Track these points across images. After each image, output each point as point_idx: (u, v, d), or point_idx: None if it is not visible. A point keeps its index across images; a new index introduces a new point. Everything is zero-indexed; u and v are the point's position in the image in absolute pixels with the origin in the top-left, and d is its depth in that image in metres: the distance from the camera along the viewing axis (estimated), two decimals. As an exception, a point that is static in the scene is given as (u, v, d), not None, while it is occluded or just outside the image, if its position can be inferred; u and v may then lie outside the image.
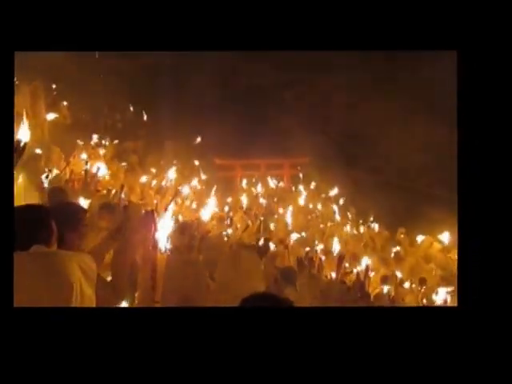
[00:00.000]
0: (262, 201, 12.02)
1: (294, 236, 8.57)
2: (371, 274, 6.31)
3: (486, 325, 2.22)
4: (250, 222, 8.27)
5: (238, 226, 8.19)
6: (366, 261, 6.35)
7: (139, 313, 2.35)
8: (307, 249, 7.41)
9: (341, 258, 5.62)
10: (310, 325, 2.11)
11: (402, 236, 9.94)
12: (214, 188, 10.26)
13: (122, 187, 5.57)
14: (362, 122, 13.90)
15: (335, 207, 12.36)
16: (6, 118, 2.30)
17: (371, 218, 11.56)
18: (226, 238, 6.45)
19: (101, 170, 6.56)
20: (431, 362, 2.12)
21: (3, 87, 2.30)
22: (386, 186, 12.68)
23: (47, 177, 4.69)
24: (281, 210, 11.16)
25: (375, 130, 13.08)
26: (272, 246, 6.38)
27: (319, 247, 8.03)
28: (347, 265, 6.96)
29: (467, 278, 2.31)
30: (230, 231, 7.49)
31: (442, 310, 3.61)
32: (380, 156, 13.53)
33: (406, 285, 7.34)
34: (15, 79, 8.16)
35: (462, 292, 2.32)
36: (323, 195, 13.29)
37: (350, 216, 12.07)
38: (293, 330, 2.12)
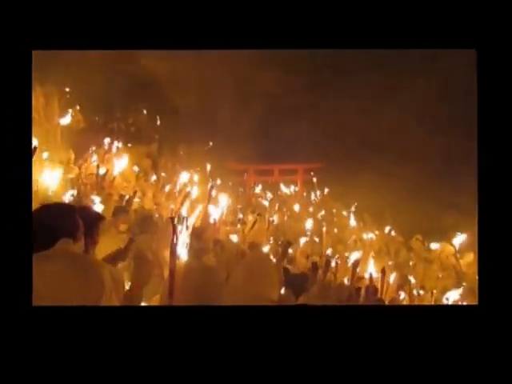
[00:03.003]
0: (275, 205, 11.97)
1: (307, 241, 8.51)
2: (387, 280, 6.22)
3: (506, 322, 2.22)
4: (256, 217, 8.20)
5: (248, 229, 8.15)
6: (380, 266, 6.26)
7: (153, 311, 2.33)
8: (321, 254, 7.35)
9: (355, 263, 5.54)
10: (330, 324, 2.08)
11: (418, 242, 9.82)
12: (228, 193, 10.22)
13: (134, 193, 5.58)
14: (376, 127, 13.80)
15: (349, 212, 12.27)
16: (23, 117, 2.30)
17: (386, 224, 11.44)
18: (239, 242, 6.41)
19: (113, 173, 6.56)
20: (452, 360, 2.13)
21: (21, 86, 2.30)
22: (401, 192, 12.56)
23: None
24: (294, 215, 11.10)
25: (390, 135, 12.99)
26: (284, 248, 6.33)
27: (332, 252, 7.95)
28: (359, 270, 6.86)
29: (487, 276, 2.30)
30: (242, 235, 7.44)
31: (462, 308, 3.59)
32: (395, 161, 13.42)
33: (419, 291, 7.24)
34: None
35: (481, 290, 2.30)
36: (337, 200, 13.21)
37: (364, 221, 11.97)
38: (307, 329, 2.09)
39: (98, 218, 2.68)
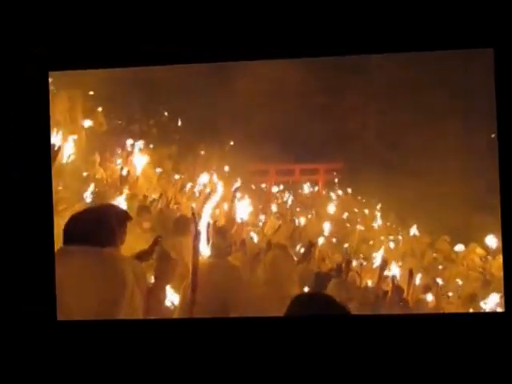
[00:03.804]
0: (297, 206, 11.95)
1: (329, 241, 8.46)
2: (414, 282, 6.14)
3: None
4: (280, 223, 8.21)
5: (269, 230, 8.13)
6: (406, 268, 6.19)
7: (175, 324, 2.34)
8: (344, 255, 7.29)
9: (382, 264, 5.49)
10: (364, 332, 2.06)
11: (445, 243, 9.68)
12: (249, 193, 10.23)
13: (160, 196, 5.64)
14: (399, 126, 13.64)
15: (372, 213, 12.17)
16: (43, 132, 2.33)
17: (411, 224, 11.30)
18: (260, 242, 6.41)
19: (136, 174, 6.61)
20: (478, 369, 2.09)
21: (39, 106, 2.33)
22: (425, 192, 12.40)
23: None
24: (316, 215, 11.05)
25: (413, 134, 12.83)
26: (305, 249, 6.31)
27: (356, 253, 7.89)
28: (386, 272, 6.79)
29: None
30: (264, 235, 7.44)
31: (489, 315, 3.54)
32: (419, 161, 13.25)
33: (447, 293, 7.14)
34: (52, 87, 8.35)
35: (508, 296, 2.26)
36: (362, 199, 13.11)
37: (388, 222, 11.86)
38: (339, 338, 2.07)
39: (126, 217, 2.70)
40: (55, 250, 2.61)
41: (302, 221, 10.05)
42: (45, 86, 2.33)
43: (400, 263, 7.44)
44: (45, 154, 2.32)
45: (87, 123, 7.55)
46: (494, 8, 2.36)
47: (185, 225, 4.65)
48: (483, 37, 2.40)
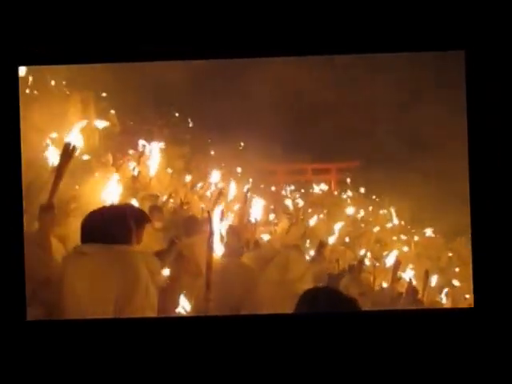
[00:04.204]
0: (309, 206, 11.92)
1: (341, 241, 8.43)
2: (429, 283, 6.11)
3: (502, 325, 2.23)
4: (293, 222, 8.20)
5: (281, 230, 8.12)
6: (421, 268, 6.15)
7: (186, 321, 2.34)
8: (357, 255, 7.26)
9: (396, 264, 5.46)
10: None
11: (461, 244, 9.58)
12: (260, 193, 10.22)
13: (169, 196, 5.66)
14: (414, 123, 13.49)
15: (386, 212, 12.10)
16: (11, 127, 2.33)
17: (426, 224, 11.21)
18: (273, 242, 6.40)
19: (149, 174, 6.64)
20: (447, 364, 2.15)
21: (8, 101, 2.33)
22: (442, 191, 12.29)
23: None
24: (328, 215, 11.01)
25: (428, 131, 12.71)
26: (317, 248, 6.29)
27: (370, 253, 7.86)
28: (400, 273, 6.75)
29: (482, 278, 2.32)
30: (275, 235, 7.43)
31: (458, 311, 3.59)
32: (434, 159, 13.13)
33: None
34: (67, 91, 8.40)
35: (477, 293, 2.33)
36: (376, 198, 13.03)
37: (403, 221, 11.77)
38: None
39: (145, 219, 2.72)
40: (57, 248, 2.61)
41: (314, 221, 10.02)
42: (14, 81, 2.33)
43: (415, 264, 7.39)
44: (14, 148, 2.31)
45: (101, 124, 7.60)
46: (465, 10, 2.41)
47: (195, 225, 4.65)
48: (455, 39, 2.45)
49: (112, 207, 2.52)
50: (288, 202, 11.44)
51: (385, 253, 7.51)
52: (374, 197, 13.34)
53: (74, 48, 2.44)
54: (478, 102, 2.41)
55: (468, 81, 2.42)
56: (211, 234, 2.63)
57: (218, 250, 2.70)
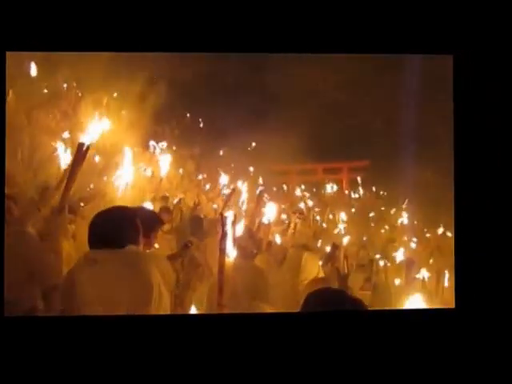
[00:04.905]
0: (320, 205, 11.87)
1: (354, 241, 8.37)
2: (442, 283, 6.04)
3: (483, 326, 2.26)
4: (297, 221, 8.14)
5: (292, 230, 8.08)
6: (434, 267, 6.09)
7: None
8: (370, 255, 7.20)
9: (409, 263, 5.40)
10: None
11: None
12: (272, 193, 10.19)
13: (180, 200, 5.65)
14: (426, 121, 13.36)
15: (398, 211, 12.00)
16: None
17: (439, 222, 11.08)
18: (284, 242, 6.36)
19: (160, 175, 6.62)
20: (428, 364, 2.17)
21: None
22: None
23: None
24: (340, 215, 10.94)
25: (440, 129, 12.57)
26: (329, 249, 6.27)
27: (380, 253, 7.79)
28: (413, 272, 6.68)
29: (463, 279, 2.35)
30: (287, 236, 7.38)
31: (440, 311, 3.55)
32: (447, 157, 12.97)
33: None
34: (79, 92, 8.42)
35: (458, 294, 2.36)
36: (385, 199, 12.94)
37: (416, 220, 11.66)
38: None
39: (156, 220, 2.69)
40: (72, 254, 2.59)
41: (326, 220, 9.97)
42: (1, 66, 2.31)
43: (428, 263, 7.31)
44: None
45: (111, 125, 7.60)
46: (454, 15, 2.44)
47: (204, 226, 4.62)
48: (443, 43, 2.48)
49: (120, 208, 2.47)
50: (299, 202, 11.40)
51: (396, 252, 7.44)
52: (385, 195, 13.25)
53: (65, 35, 2.42)
54: (464, 105, 2.45)
55: (455, 85, 2.44)
56: (223, 236, 2.59)
57: (231, 253, 2.65)
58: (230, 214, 2.98)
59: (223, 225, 2.67)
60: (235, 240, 2.73)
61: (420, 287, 5.42)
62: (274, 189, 12.25)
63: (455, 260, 2.42)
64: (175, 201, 5.64)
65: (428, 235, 10.82)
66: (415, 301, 4.73)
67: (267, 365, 2.14)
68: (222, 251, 2.54)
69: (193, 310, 2.54)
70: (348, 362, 2.19)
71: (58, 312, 2.44)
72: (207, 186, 10.28)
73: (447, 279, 6.35)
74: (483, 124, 2.43)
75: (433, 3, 2.47)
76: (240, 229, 3.62)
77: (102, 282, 2.15)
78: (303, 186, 14.09)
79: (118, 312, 2.11)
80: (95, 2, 2.40)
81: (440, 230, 10.76)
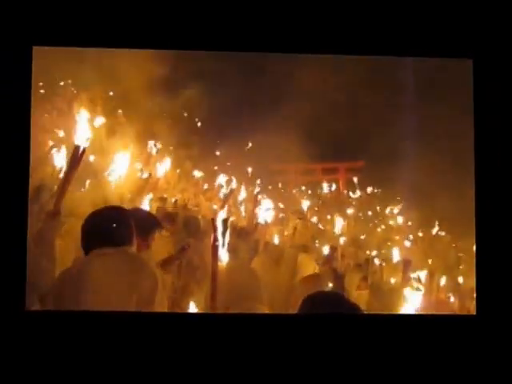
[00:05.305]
0: (317, 205, 11.87)
1: (350, 241, 8.38)
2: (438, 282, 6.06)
3: (503, 333, 2.22)
4: (297, 223, 8.15)
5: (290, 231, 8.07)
6: (429, 267, 6.11)
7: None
8: (366, 254, 7.21)
9: (406, 263, 5.40)
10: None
11: (468, 243, 9.50)
12: (270, 193, 10.18)
13: (175, 201, 5.64)
14: (421, 122, 13.41)
15: (394, 211, 12.02)
16: (22, 115, 2.30)
17: (433, 223, 11.12)
18: (282, 243, 6.36)
19: (156, 176, 6.61)
20: (448, 371, 2.14)
21: (21, 82, 2.31)
22: (450, 189, 12.19)
23: None
24: (336, 215, 10.95)
25: (437, 130, 12.60)
26: (327, 250, 6.26)
27: (376, 253, 7.81)
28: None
29: (485, 286, 2.30)
30: (284, 236, 7.38)
31: (461, 318, 3.58)
32: (443, 158, 13.03)
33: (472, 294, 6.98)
34: (73, 89, 8.39)
35: (479, 300, 2.33)
36: (381, 199, 12.96)
37: (410, 221, 11.69)
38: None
39: (154, 222, 2.68)
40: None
41: (323, 221, 9.98)
42: (28, 61, 2.30)
43: (423, 262, 7.33)
44: (24, 134, 2.29)
45: (107, 124, 7.58)
46: (474, 19, 2.43)
47: (195, 225, 4.60)
48: (463, 47, 2.48)
49: (113, 208, 2.45)
50: (297, 203, 11.39)
51: (392, 252, 7.46)
52: (381, 195, 13.27)
53: (88, 30, 2.42)
54: (484, 108, 2.44)
55: (475, 90, 2.44)
56: (215, 241, 2.58)
57: (224, 257, 2.64)
58: (221, 220, 2.90)
59: (215, 230, 2.66)
60: (228, 245, 2.71)
61: (415, 286, 5.44)
62: (270, 187, 12.23)
63: (476, 266, 2.39)
64: (172, 200, 5.63)
65: (421, 234, 10.86)
66: (411, 299, 4.75)
67: (263, 366, 2.14)
68: (215, 256, 2.53)
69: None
70: (353, 367, 2.18)
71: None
72: (205, 186, 10.27)
73: (441, 278, 6.41)
74: (505, 130, 2.42)
75: (451, 7, 2.46)
76: (237, 230, 3.61)
77: (113, 271, 2.14)
78: (303, 188, 14.11)
79: (128, 301, 2.11)
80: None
81: (434, 230, 10.82)
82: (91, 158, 5.30)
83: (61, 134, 5.13)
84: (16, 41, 2.31)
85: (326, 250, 5.68)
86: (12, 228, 2.19)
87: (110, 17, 2.41)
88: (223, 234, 2.74)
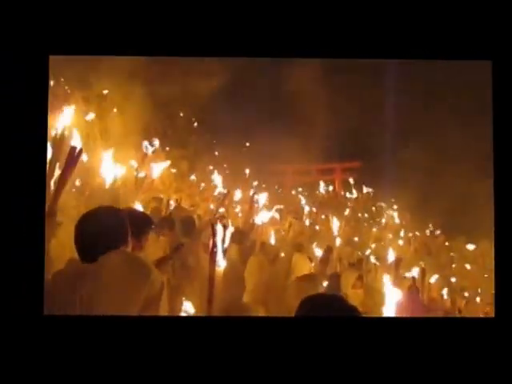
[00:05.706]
0: (313, 206, 11.87)
1: (344, 241, 8.40)
2: (430, 280, 6.08)
3: None
4: (292, 221, 8.15)
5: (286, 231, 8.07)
6: (421, 266, 6.14)
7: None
8: (359, 254, 7.24)
9: (397, 262, 5.42)
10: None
11: (461, 243, 9.56)
12: (266, 194, 10.16)
13: (168, 202, 5.65)
14: (416, 124, 13.45)
15: (388, 212, 12.06)
16: (39, 120, 2.31)
17: (427, 223, 11.17)
18: (278, 243, 6.36)
19: (152, 176, 6.59)
20: (468, 373, 2.13)
21: (38, 90, 2.31)
22: (444, 190, 12.23)
23: None
24: (331, 216, 10.96)
25: (432, 132, 12.64)
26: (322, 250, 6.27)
27: (370, 252, 7.83)
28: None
29: (504, 287, 2.29)
30: (281, 236, 7.38)
31: (479, 320, 3.57)
32: (438, 159, 13.07)
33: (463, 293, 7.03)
34: (67, 88, 8.36)
35: (498, 302, 2.31)
36: (377, 199, 13.00)
37: (405, 220, 11.73)
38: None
39: (148, 222, 2.66)
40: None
41: (319, 221, 9.98)
42: (45, 70, 2.31)
43: (415, 262, 7.36)
44: (41, 140, 2.30)
45: (102, 124, 7.56)
46: (493, 21, 2.43)
47: (190, 225, 4.58)
48: (482, 49, 2.47)
49: (107, 208, 2.43)
50: (294, 203, 11.40)
51: (386, 251, 7.49)
52: (376, 196, 13.32)
53: (105, 39, 2.43)
54: (503, 112, 2.42)
55: (494, 92, 2.43)
56: (214, 246, 2.56)
57: (222, 258, 2.62)
58: (221, 224, 2.86)
59: (214, 235, 2.64)
60: (226, 251, 2.68)
61: (408, 284, 5.47)
62: (265, 186, 12.22)
63: (495, 269, 2.37)
64: (163, 201, 5.61)
65: (417, 233, 10.90)
66: (403, 297, 4.76)
67: (262, 369, 2.14)
68: (212, 261, 2.51)
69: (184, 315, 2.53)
70: (353, 369, 2.17)
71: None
72: (202, 185, 10.26)
73: (432, 277, 6.43)
74: None
75: (470, 10, 2.46)
76: (233, 231, 3.60)
77: (121, 274, 2.11)
78: (300, 189, 14.12)
79: (134, 301, 2.09)
80: (141, 7, 2.41)
81: (428, 231, 10.86)
82: (84, 157, 5.27)
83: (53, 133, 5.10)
84: (33, 50, 2.32)
85: (321, 249, 5.69)
86: (30, 233, 2.19)
87: (125, 25, 2.42)
88: (222, 240, 2.71)
